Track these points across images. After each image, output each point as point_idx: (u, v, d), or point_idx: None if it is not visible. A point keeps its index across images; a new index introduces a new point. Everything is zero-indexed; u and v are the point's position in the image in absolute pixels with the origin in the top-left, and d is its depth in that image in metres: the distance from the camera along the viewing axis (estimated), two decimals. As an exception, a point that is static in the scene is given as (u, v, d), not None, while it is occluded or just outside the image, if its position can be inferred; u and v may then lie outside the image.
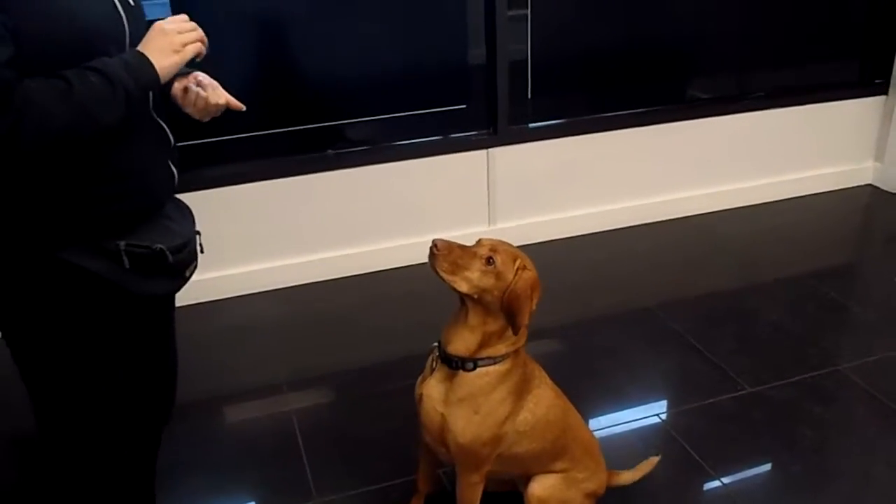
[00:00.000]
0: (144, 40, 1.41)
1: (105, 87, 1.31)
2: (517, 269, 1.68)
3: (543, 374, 1.87)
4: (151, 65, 1.38)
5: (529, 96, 3.43)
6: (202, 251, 1.65)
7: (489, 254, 1.68)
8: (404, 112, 3.27)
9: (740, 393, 2.55)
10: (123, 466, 1.70)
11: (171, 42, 1.42)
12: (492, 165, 3.45)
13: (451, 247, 1.69)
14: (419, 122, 3.31)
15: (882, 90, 4.00)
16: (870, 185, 4.15)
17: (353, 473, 2.27)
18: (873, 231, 3.96)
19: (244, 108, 1.59)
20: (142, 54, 1.39)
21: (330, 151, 3.25)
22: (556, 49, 3.41)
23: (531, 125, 3.49)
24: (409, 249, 3.31)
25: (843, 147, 4.07)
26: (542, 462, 1.88)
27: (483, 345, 1.72)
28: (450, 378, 1.76)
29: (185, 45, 1.43)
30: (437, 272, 1.68)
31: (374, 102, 3.24)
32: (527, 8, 3.28)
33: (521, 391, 1.78)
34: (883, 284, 3.27)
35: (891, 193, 4.04)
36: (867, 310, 3.08)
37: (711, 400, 2.52)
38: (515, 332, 1.71)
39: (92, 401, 1.57)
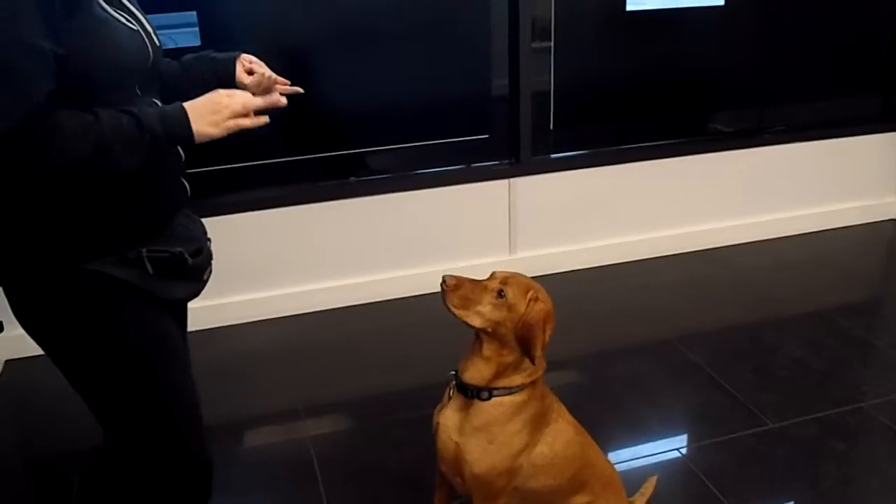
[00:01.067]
0: (199, 99, 1.42)
1: (133, 129, 1.33)
2: (529, 301, 1.67)
3: (562, 407, 1.86)
4: (189, 124, 1.39)
5: (552, 127, 3.45)
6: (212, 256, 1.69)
7: (500, 286, 1.68)
8: (427, 141, 3.29)
9: (762, 428, 2.52)
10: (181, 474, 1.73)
11: (218, 116, 1.42)
12: (513, 195, 3.46)
13: (461, 282, 1.68)
14: (442, 151, 3.33)
15: (905, 125, 3.98)
16: (893, 219, 4.11)
17: (369, 502, 2.25)
18: (897, 266, 3.93)
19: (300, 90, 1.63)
20: (183, 111, 1.40)
21: (352, 179, 3.27)
22: (578, 81, 3.43)
23: (553, 156, 3.50)
24: (429, 277, 3.29)
25: (866, 182, 4.05)
26: (561, 498, 1.85)
27: (498, 375, 1.72)
28: (466, 407, 1.75)
29: (227, 122, 1.43)
30: (448, 308, 1.68)
31: (397, 131, 3.27)
32: (550, 40, 3.30)
33: (537, 424, 1.76)
34: (907, 321, 3.24)
35: (915, 229, 4.01)
36: (890, 346, 3.03)
37: (733, 435, 2.49)
38: (533, 363, 1.70)
39: (145, 407, 1.58)
